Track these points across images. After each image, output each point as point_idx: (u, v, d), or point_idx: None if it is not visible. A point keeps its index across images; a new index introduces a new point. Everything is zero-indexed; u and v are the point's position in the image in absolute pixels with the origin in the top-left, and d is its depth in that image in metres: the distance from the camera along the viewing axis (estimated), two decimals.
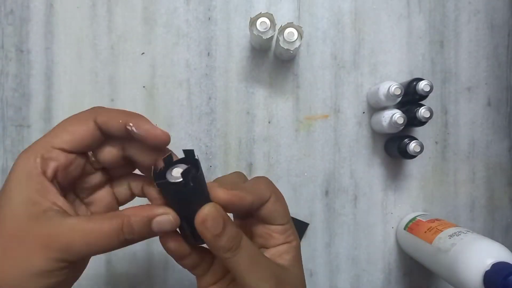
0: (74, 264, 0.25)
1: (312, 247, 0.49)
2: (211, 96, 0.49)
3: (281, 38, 0.43)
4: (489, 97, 0.50)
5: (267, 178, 0.31)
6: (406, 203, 0.49)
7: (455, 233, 0.40)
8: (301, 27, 0.43)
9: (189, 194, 0.25)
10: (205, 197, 0.26)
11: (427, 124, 0.49)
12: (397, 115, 0.43)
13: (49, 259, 0.24)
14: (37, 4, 0.48)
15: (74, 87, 0.48)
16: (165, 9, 0.48)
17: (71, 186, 0.28)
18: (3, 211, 0.25)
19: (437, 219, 0.45)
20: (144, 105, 0.48)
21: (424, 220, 0.45)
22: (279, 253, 0.30)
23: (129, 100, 0.48)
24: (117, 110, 0.28)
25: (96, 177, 0.29)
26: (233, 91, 0.49)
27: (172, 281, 0.48)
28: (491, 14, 0.50)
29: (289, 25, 0.43)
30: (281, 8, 0.49)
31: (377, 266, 0.49)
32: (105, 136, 0.28)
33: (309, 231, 0.49)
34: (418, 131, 0.49)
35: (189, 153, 0.26)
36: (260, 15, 0.43)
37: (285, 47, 0.43)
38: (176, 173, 0.25)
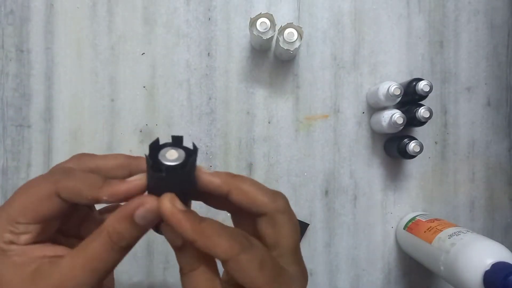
0: None
1: (312, 247, 0.49)
2: (211, 96, 0.49)
3: (281, 39, 0.43)
4: (489, 97, 0.50)
5: (279, 193, 0.27)
6: (406, 203, 0.50)
7: (454, 233, 0.40)
8: (301, 27, 0.43)
9: (183, 176, 0.24)
10: (193, 182, 0.25)
11: (426, 124, 0.49)
12: (397, 115, 0.43)
13: None
14: (37, 4, 0.48)
15: (74, 87, 0.48)
16: (165, 9, 0.49)
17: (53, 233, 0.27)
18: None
19: (436, 219, 0.45)
20: (144, 105, 0.48)
21: (424, 220, 0.45)
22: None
23: (129, 100, 0.48)
24: (83, 179, 0.25)
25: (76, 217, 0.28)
26: (233, 91, 0.49)
27: (172, 281, 0.48)
28: (491, 14, 0.50)
29: (289, 25, 0.43)
30: (281, 8, 0.49)
31: (376, 266, 0.49)
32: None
33: (309, 231, 0.49)
34: (418, 131, 0.49)
35: (177, 140, 0.25)
36: (260, 16, 0.43)
37: (285, 47, 0.43)
38: (171, 156, 0.23)
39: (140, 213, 0.23)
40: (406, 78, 0.49)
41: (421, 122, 0.44)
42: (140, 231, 0.24)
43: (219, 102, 0.49)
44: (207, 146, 0.48)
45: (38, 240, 0.25)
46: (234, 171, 0.48)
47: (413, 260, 0.49)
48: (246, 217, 0.27)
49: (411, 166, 0.50)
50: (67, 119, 0.48)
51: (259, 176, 0.49)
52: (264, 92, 0.49)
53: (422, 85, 0.43)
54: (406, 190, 0.50)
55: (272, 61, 0.49)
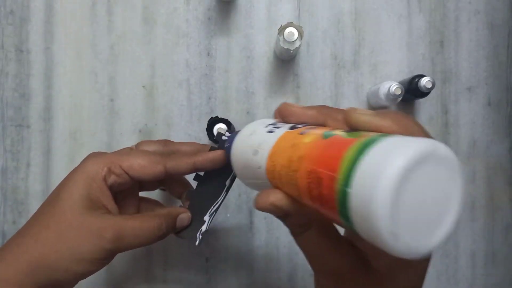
0: (114, 256, 0.31)
1: None
2: (211, 96, 0.49)
3: (281, 38, 0.43)
4: (489, 97, 0.50)
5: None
6: None
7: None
8: (301, 27, 0.43)
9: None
10: None
11: (427, 124, 0.49)
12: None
13: (100, 249, 0.29)
14: (37, 4, 0.48)
15: (74, 87, 0.48)
16: (165, 9, 0.48)
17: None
18: (63, 203, 0.30)
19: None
20: (144, 105, 0.48)
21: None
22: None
23: (129, 100, 0.48)
24: (185, 156, 0.33)
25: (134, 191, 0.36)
26: (233, 91, 0.49)
27: (172, 281, 0.48)
28: (491, 14, 0.50)
29: (289, 25, 0.43)
30: (281, 8, 0.49)
31: None
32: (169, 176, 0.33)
33: None
34: None
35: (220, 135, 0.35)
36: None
37: (285, 47, 0.43)
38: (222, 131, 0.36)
39: (182, 216, 0.34)
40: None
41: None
42: (175, 229, 0.34)
43: (219, 102, 0.49)
44: None
45: (114, 188, 0.32)
46: None
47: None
48: None
49: None
50: (66, 119, 0.48)
51: None
52: (264, 92, 0.49)
53: (425, 81, 0.43)
54: None
55: (272, 61, 0.49)
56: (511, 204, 0.50)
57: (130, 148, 0.35)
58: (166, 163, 0.32)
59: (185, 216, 0.34)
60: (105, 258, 0.29)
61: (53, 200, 0.31)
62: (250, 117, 0.49)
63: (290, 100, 0.49)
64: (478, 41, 0.50)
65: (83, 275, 0.30)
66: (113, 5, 0.48)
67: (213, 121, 0.43)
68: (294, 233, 0.26)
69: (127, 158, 0.32)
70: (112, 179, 0.31)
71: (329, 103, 0.49)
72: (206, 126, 0.43)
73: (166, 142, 0.36)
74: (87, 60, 0.48)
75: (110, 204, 0.31)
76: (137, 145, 0.36)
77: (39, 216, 0.31)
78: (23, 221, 0.47)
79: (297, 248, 0.27)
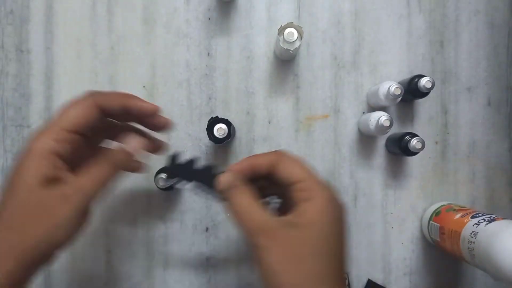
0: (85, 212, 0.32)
1: None
2: (211, 96, 0.49)
3: (281, 38, 0.43)
4: (489, 97, 0.50)
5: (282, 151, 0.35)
6: (406, 203, 0.49)
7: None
8: (301, 27, 0.43)
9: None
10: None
11: (427, 124, 0.49)
12: (384, 118, 0.42)
13: (72, 211, 0.30)
14: (37, 4, 0.48)
15: (74, 87, 0.48)
16: (165, 9, 0.48)
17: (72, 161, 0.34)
18: (19, 189, 0.30)
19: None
20: None
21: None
22: (300, 211, 0.31)
23: None
24: (112, 93, 0.34)
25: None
26: (233, 91, 0.49)
27: (172, 281, 0.48)
28: (491, 14, 0.50)
29: (289, 25, 0.43)
30: (281, 8, 0.49)
31: (377, 266, 0.49)
32: (104, 115, 0.33)
33: None
34: (418, 131, 0.49)
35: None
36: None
37: (285, 47, 0.43)
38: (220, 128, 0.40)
39: (131, 143, 0.34)
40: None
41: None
42: (129, 158, 0.34)
43: (219, 102, 0.49)
44: (207, 146, 0.48)
45: (63, 152, 0.31)
46: None
47: (413, 260, 0.49)
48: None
49: (412, 166, 0.49)
50: None
51: None
52: (264, 92, 0.49)
53: (424, 82, 0.43)
54: (407, 190, 0.49)
55: (272, 61, 0.49)
56: (511, 204, 0.50)
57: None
58: (99, 102, 0.32)
59: (133, 141, 0.34)
60: (78, 217, 0.31)
61: (9, 188, 0.31)
62: (250, 117, 0.49)
63: (290, 100, 0.49)
64: (478, 41, 0.50)
65: (67, 240, 0.31)
66: (113, 5, 0.48)
67: (213, 121, 0.43)
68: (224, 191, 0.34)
69: (62, 118, 0.31)
70: (60, 147, 0.31)
71: (329, 103, 0.49)
72: (206, 126, 0.43)
73: (92, 91, 0.36)
74: (87, 60, 0.48)
75: (65, 172, 0.31)
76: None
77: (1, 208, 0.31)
78: None
79: None
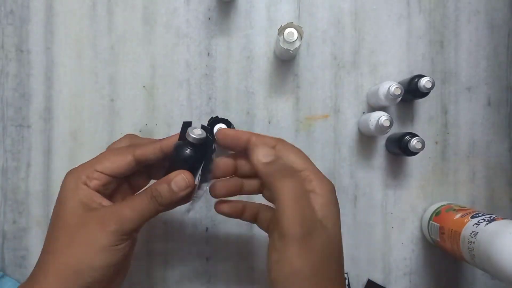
0: (129, 237, 0.32)
1: None
2: (211, 96, 0.49)
3: (281, 38, 0.43)
4: (489, 97, 0.50)
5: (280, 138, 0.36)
6: (406, 203, 0.49)
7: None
8: (301, 27, 0.43)
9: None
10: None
11: (427, 124, 0.49)
12: (384, 118, 0.42)
13: (108, 234, 0.30)
14: (37, 4, 0.48)
15: (74, 87, 0.48)
16: (165, 9, 0.48)
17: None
18: (62, 213, 0.32)
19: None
20: (144, 105, 0.48)
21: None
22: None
23: (129, 100, 0.48)
24: (150, 142, 0.35)
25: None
26: (233, 91, 0.49)
27: (172, 281, 0.48)
28: (491, 14, 0.50)
29: (289, 25, 0.43)
30: (281, 8, 0.49)
31: (376, 266, 0.49)
32: (140, 165, 0.35)
33: None
34: (418, 131, 0.49)
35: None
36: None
37: (285, 47, 0.43)
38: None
39: (177, 179, 0.32)
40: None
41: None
42: (176, 198, 0.33)
43: (219, 102, 0.49)
44: None
45: (100, 191, 0.33)
46: None
47: (413, 260, 0.49)
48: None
49: (412, 166, 0.49)
50: (66, 119, 0.48)
51: None
52: (264, 92, 0.49)
53: (424, 82, 0.43)
54: (406, 190, 0.49)
55: (272, 61, 0.49)
56: (511, 204, 0.50)
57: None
58: (134, 152, 0.34)
59: (180, 178, 0.33)
60: (119, 241, 0.31)
61: (54, 219, 0.33)
62: (250, 117, 0.49)
63: (290, 100, 0.49)
64: (478, 41, 0.50)
65: (108, 267, 0.31)
66: (113, 5, 0.48)
67: (213, 121, 0.43)
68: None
69: (98, 161, 0.34)
70: (93, 183, 0.33)
71: (329, 103, 0.49)
72: (206, 126, 0.43)
73: (131, 136, 0.38)
74: (88, 60, 0.48)
75: (104, 201, 0.33)
76: (108, 147, 0.37)
77: (49, 236, 0.33)
78: (23, 221, 0.48)
79: None
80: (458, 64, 0.50)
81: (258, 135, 0.35)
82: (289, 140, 0.48)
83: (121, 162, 0.34)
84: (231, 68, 0.49)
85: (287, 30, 0.43)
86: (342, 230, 0.49)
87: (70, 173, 0.34)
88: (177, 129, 0.48)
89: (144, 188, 0.34)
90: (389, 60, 0.49)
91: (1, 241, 0.48)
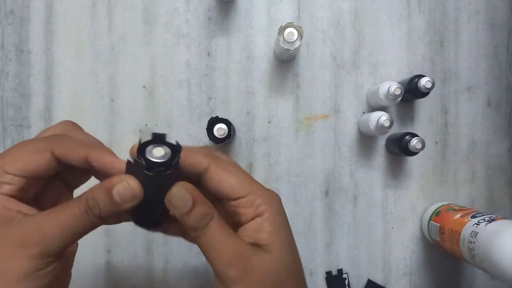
0: (57, 259, 0.25)
1: (312, 247, 0.49)
2: (211, 96, 0.49)
3: (281, 38, 0.43)
4: (489, 97, 0.50)
5: (212, 147, 0.29)
6: (406, 203, 0.49)
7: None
8: (301, 27, 0.43)
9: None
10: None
11: (427, 124, 0.49)
12: (384, 118, 0.42)
13: (30, 257, 0.23)
14: (37, 4, 0.48)
15: (74, 87, 0.48)
16: (165, 9, 0.48)
17: (32, 196, 0.28)
18: None
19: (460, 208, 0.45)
20: (144, 105, 0.48)
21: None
22: (253, 230, 0.27)
23: (129, 100, 0.48)
24: (77, 142, 0.27)
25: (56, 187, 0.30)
26: (233, 91, 0.49)
27: (172, 281, 0.48)
28: (491, 14, 0.50)
29: (289, 25, 0.43)
30: (281, 8, 0.49)
31: (376, 266, 0.49)
32: (63, 165, 0.27)
33: (309, 231, 0.49)
34: (418, 131, 0.49)
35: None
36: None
37: (285, 47, 0.43)
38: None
39: (119, 188, 0.24)
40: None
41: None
42: (116, 209, 0.25)
43: (219, 102, 0.49)
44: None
45: (17, 196, 0.26)
46: None
47: (413, 260, 0.49)
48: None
49: (411, 166, 0.49)
50: (66, 119, 0.48)
51: (259, 176, 0.48)
52: (264, 92, 0.49)
53: (424, 81, 0.43)
54: (406, 190, 0.49)
55: (272, 61, 0.49)
56: (511, 204, 0.50)
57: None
58: (53, 148, 0.26)
59: (123, 187, 0.24)
60: (43, 266, 0.24)
61: None
62: (250, 117, 0.49)
63: (290, 100, 0.49)
64: (478, 41, 0.50)
65: None
66: (113, 5, 0.48)
67: (213, 121, 0.43)
68: (199, 226, 0.26)
69: (7, 159, 0.26)
70: (5, 189, 0.25)
71: (329, 103, 0.49)
72: (206, 126, 0.43)
73: (65, 126, 0.30)
74: (88, 60, 0.48)
75: (23, 207, 0.26)
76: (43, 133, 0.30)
77: None
78: None
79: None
80: (458, 64, 0.50)
81: (187, 152, 0.27)
82: (289, 140, 0.49)
83: (37, 161, 0.26)
84: (231, 68, 0.49)
85: (287, 30, 0.43)
86: (342, 230, 0.49)
87: None
88: (178, 129, 0.48)
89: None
90: (389, 60, 0.49)
91: None
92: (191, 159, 0.27)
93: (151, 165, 0.24)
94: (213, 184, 0.27)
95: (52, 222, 0.24)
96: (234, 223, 0.28)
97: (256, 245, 0.26)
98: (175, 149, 0.25)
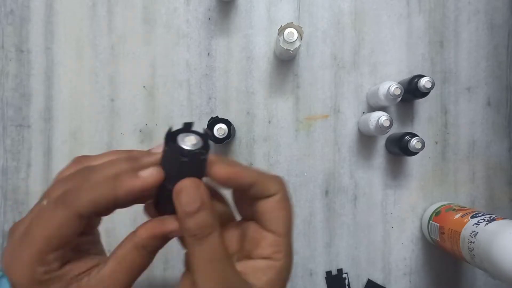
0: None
1: (312, 247, 0.49)
2: (211, 96, 0.49)
3: (281, 38, 0.43)
4: (489, 97, 0.50)
5: (282, 178, 0.27)
6: (406, 203, 0.49)
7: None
8: (301, 27, 0.43)
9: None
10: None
11: (427, 124, 0.49)
12: (383, 118, 0.42)
13: None
14: (37, 4, 0.48)
15: (74, 87, 0.48)
16: (165, 9, 0.48)
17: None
18: None
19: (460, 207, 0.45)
20: (144, 105, 0.48)
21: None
22: (256, 268, 0.26)
23: (129, 100, 0.48)
24: (89, 191, 0.24)
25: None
26: (233, 91, 0.49)
27: (172, 281, 0.48)
28: (491, 14, 0.50)
29: (289, 25, 0.43)
30: (281, 8, 0.49)
31: (376, 266, 0.49)
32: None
33: (309, 231, 0.49)
34: (418, 131, 0.49)
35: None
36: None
37: (285, 47, 0.43)
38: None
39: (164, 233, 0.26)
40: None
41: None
42: (163, 243, 0.27)
43: (219, 102, 0.49)
44: None
45: (66, 260, 0.25)
46: None
47: (413, 260, 0.49)
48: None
49: (411, 166, 0.49)
50: (67, 119, 0.48)
51: None
52: (264, 92, 0.49)
53: (424, 82, 0.43)
54: (406, 190, 0.50)
55: (272, 61, 0.49)
56: (511, 204, 0.50)
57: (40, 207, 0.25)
58: (73, 205, 0.23)
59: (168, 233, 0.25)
60: None
61: None
62: (250, 117, 0.49)
63: (290, 100, 0.49)
64: (478, 41, 0.50)
65: None
66: (113, 5, 0.48)
67: (213, 121, 0.43)
68: (197, 235, 0.24)
69: (29, 240, 0.23)
70: (54, 266, 0.24)
71: (329, 103, 0.49)
72: (206, 126, 0.43)
73: (79, 160, 0.27)
74: (88, 60, 0.48)
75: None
76: (56, 176, 0.27)
77: None
78: None
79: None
80: (458, 64, 0.50)
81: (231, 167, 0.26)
82: (289, 140, 0.49)
83: (62, 232, 0.23)
84: (231, 68, 0.49)
85: (287, 30, 0.43)
86: (342, 230, 0.49)
87: (13, 268, 0.23)
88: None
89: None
90: (389, 60, 0.49)
91: (1, 241, 0.48)
92: (241, 175, 0.26)
93: (184, 153, 0.23)
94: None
95: (120, 271, 0.26)
96: (245, 247, 0.27)
97: (248, 284, 0.25)
98: (205, 137, 0.25)
